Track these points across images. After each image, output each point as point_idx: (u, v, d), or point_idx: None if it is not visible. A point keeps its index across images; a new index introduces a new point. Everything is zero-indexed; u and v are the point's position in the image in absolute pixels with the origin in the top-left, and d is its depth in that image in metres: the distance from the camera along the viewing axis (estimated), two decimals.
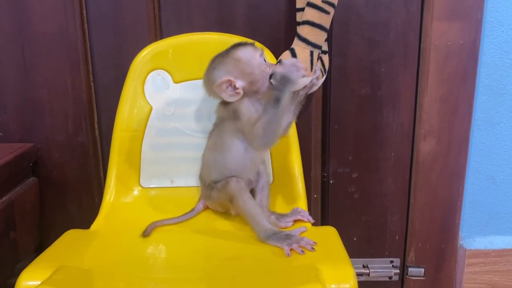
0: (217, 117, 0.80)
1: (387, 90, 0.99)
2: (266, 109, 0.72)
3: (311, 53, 0.80)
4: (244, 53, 0.74)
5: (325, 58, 0.91)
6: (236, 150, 0.77)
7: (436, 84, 0.97)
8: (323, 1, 0.79)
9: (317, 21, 0.79)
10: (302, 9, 0.86)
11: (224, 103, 0.77)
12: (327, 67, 0.92)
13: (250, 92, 0.75)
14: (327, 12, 0.79)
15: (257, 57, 0.75)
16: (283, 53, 0.83)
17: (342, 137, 1.02)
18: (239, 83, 0.74)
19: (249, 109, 0.75)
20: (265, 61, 0.76)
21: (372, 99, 1.00)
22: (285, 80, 0.71)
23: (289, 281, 0.62)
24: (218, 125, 0.80)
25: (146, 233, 0.77)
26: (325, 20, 0.79)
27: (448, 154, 1.00)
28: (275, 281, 0.63)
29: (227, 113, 0.77)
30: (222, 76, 0.74)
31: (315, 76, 0.81)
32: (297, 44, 0.80)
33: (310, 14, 0.80)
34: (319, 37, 0.80)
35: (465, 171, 1.02)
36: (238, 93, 0.74)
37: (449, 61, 0.96)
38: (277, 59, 0.86)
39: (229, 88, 0.74)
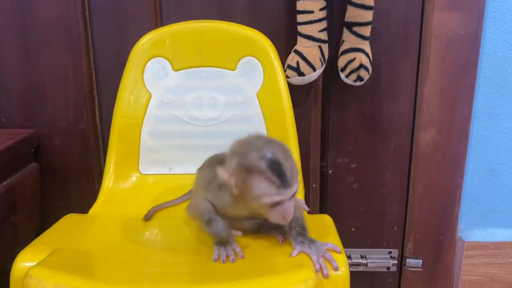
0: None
1: (387, 80, 0.99)
2: (204, 214, 0.68)
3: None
4: (263, 190, 0.61)
5: (325, 47, 0.92)
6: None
7: (437, 74, 0.96)
8: None
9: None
10: None
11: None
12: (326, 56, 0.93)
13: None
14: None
15: (266, 198, 0.61)
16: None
17: (342, 127, 1.02)
18: (233, 190, 0.64)
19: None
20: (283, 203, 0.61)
21: (372, 90, 0.99)
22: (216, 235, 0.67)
23: (281, 266, 0.63)
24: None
25: (147, 217, 0.78)
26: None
27: (448, 145, 1.00)
28: (267, 266, 0.63)
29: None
30: (230, 173, 0.63)
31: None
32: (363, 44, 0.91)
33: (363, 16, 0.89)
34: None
35: (464, 163, 1.02)
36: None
37: (450, 51, 0.95)
38: (278, 53, 0.87)
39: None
